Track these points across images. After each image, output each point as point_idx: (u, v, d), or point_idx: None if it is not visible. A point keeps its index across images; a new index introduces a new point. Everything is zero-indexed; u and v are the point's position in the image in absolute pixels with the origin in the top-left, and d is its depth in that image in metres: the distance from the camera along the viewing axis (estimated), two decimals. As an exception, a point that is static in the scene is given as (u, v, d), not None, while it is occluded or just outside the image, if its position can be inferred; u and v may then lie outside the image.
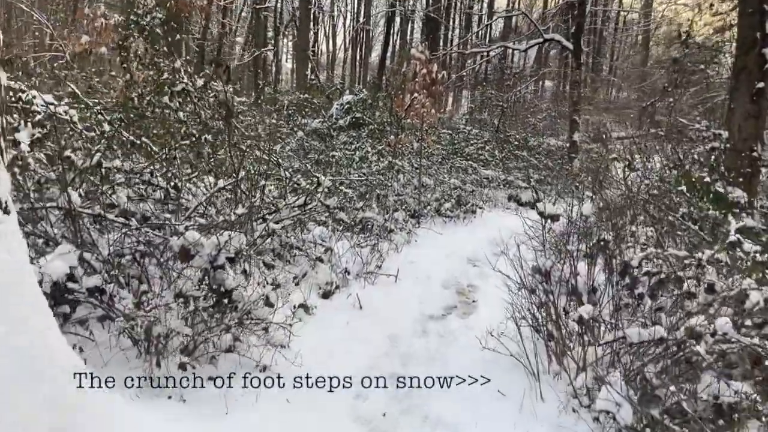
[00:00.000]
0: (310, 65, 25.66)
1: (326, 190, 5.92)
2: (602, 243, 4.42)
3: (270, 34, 38.52)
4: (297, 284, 5.25)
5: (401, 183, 9.73)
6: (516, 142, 14.19)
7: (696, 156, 7.74)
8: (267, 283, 4.10)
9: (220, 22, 34.76)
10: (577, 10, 14.70)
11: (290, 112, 12.67)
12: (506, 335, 4.32)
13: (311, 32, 44.63)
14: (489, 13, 39.69)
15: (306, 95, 15.40)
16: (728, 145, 7.36)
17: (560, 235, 8.04)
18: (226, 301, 3.47)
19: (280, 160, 7.12)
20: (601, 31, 35.25)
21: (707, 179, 6.74)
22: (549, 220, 5.31)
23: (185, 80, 6.40)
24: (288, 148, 11.06)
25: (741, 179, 7.34)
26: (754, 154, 7.58)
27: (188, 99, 7.20)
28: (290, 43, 40.30)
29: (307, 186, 5.80)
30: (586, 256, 4.66)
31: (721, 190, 6.65)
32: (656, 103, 15.32)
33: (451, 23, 40.59)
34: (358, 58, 41.07)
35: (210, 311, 3.47)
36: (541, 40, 15.97)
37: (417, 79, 8.80)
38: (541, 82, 33.70)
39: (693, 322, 3.11)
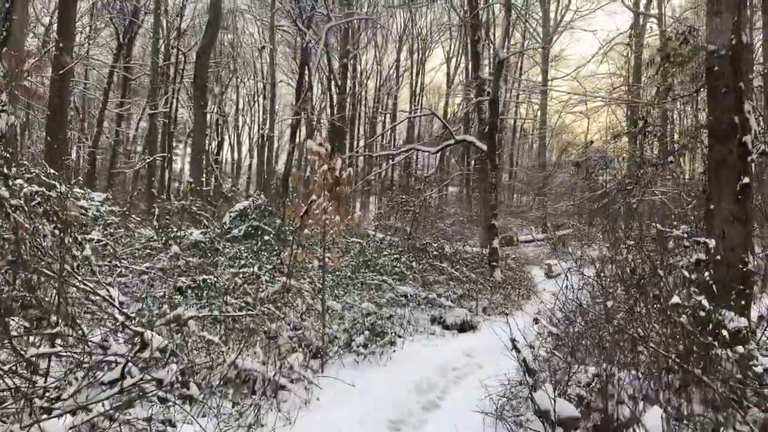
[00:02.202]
0: (206, 170, 23.34)
1: (161, 349, 3.41)
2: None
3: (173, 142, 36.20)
4: None
5: (299, 311, 7.28)
6: (434, 252, 12.18)
7: (678, 268, 5.80)
8: None
9: (115, 130, 32.12)
10: (490, 110, 13.31)
11: (165, 221, 10.09)
12: None
13: (215, 140, 42.65)
14: (393, 120, 39.21)
15: (192, 201, 12.89)
16: (717, 257, 5.53)
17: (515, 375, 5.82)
18: None
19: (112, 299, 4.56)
20: (500, 138, 35.20)
21: (703, 303, 4.78)
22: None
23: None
24: (158, 266, 8.44)
25: (732, 300, 5.45)
26: (748, 267, 5.76)
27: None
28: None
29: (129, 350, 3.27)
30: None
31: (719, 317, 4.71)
32: (607, 205, 13.81)
33: (356, 132, 39.78)
34: (265, 165, 39.15)
35: None
36: (452, 141, 14.46)
37: (316, 179, 6.59)
38: (444, 188, 32.67)
39: None
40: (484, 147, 13.51)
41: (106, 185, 25.03)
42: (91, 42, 29.51)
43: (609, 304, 5.70)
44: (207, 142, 39.10)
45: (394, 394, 6.09)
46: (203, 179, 21.40)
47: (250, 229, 11.81)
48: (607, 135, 32.51)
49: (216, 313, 5.98)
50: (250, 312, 6.07)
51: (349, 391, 5.87)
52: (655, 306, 4.80)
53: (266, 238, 10.84)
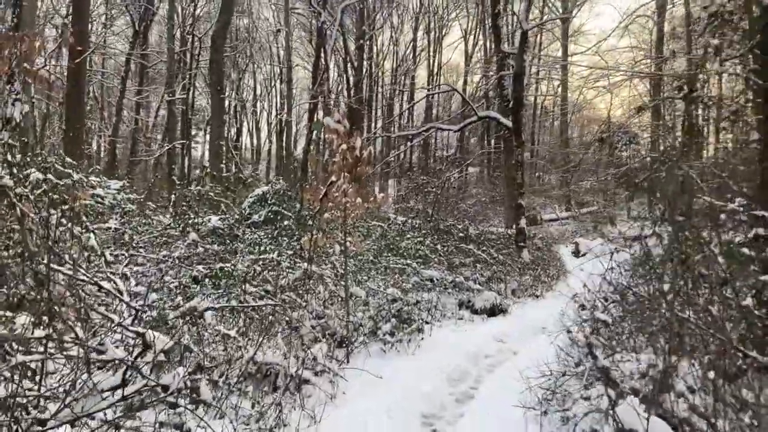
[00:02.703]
0: (226, 156, 22.98)
1: (165, 355, 3.01)
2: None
3: (193, 129, 35.96)
4: None
5: (322, 298, 6.88)
6: (459, 233, 11.69)
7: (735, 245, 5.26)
8: None
9: (134, 118, 31.95)
10: (514, 84, 12.69)
11: (183, 208, 9.72)
12: None
13: (234, 127, 42.39)
14: (410, 109, 38.54)
15: (211, 187, 12.52)
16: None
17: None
18: None
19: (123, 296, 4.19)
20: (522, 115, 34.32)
21: None
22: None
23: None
24: (175, 255, 8.09)
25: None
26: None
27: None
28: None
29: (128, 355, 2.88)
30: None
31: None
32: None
33: (373, 114, 39.22)
34: (283, 151, 38.82)
35: None
36: (474, 118, 13.89)
37: (335, 159, 6.16)
38: (465, 168, 32.04)
39: None
40: (509, 123, 12.94)
41: (126, 174, 24.86)
42: (107, 30, 29.27)
43: (665, 287, 5.19)
44: (225, 128, 38.94)
45: (425, 385, 5.69)
46: (222, 165, 21.11)
47: (269, 214, 11.44)
48: (630, 110, 31.66)
49: (234, 303, 5.60)
50: (270, 301, 5.68)
51: (377, 382, 5.47)
52: (712, 287, 4.29)
53: (285, 223, 10.45)
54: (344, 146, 6.00)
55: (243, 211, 12.02)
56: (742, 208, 5.02)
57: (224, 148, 22.27)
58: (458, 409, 5.32)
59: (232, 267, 6.41)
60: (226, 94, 39.72)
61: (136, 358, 2.74)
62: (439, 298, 8.54)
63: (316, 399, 4.94)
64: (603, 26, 63.46)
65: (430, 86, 37.02)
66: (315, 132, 25.33)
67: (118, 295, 3.95)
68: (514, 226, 16.36)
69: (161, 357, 2.84)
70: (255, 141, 45.99)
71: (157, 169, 30.20)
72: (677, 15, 30.45)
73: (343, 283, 6.69)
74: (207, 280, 6.41)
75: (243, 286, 5.87)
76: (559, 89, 33.91)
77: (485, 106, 25.23)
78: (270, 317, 5.49)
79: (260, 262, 7.14)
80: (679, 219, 5.13)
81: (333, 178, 5.79)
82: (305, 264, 6.68)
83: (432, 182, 15.49)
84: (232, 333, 4.95)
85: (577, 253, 17.34)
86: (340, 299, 6.92)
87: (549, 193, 31.86)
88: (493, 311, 8.85)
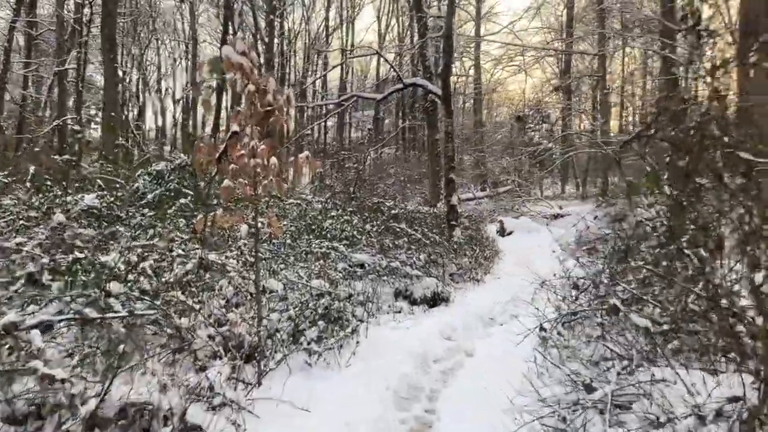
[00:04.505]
0: (127, 134, 20.32)
1: None
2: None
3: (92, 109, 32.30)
4: None
5: (225, 294, 5.05)
6: (391, 210, 10.03)
7: None
8: None
9: (21, 93, 28.09)
10: (444, 47, 11.09)
11: (44, 183, 7.44)
12: None
13: (137, 107, 38.81)
14: (324, 83, 36.58)
15: (101, 164, 10.26)
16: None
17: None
18: None
19: None
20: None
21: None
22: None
23: None
24: (35, 242, 5.96)
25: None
26: None
27: None
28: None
29: None
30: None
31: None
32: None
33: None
34: (191, 129, 35.72)
35: None
36: (400, 86, 12.23)
37: (239, 108, 4.33)
38: (381, 148, 30.45)
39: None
40: (438, 90, 11.37)
41: (14, 154, 21.48)
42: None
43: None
44: (128, 108, 35.39)
45: (366, 412, 4.03)
46: (117, 142, 18.51)
47: (169, 192, 9.45)
48: (542, 91, 31.12)
49: (90, 311, 3.69)
50: (146, 310, 3.81)
51: (300, 417, 3.75)
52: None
53: (182, 201, 8.48)
54: (252, 87, 4.17)
55: (137, 190, 9.91)
56: None
57: (123, 125, 19.65)
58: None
59: (93, 258, 4.44)
60: (127, 69, 36.20)
61: None
62: (374, 287, 6.87)
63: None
64: (515, 8, 64.01)
65: (344, 68, 35.04)
66: (213, 75, 22.85)
67: None
68: (440, 204, 14.97)
69: None
70: (160, 121, 42.44)
71: (47, 150, 26.64)
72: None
73: (253, 274, 4.87)
74: (57, 276, 4.41)
75: (105, 286, 3.96)
76: (471, 70, 32.86)
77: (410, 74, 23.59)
78: (141, 330, 3.63)
79: (140, 250, 5.19)
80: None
81: (235, 128, 3.96)
82: (201, 250, 4.82)
83: (353, 158, 13.75)
84: (74, 361, 3.07)
85: (502, 232, 16.18)
86: (249, 297, 5.11)
87: (464, 172, 30.87)
88: (435, 300, 7.30)
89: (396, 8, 35.94)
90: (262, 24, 30.57)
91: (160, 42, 39.59)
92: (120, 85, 28.55)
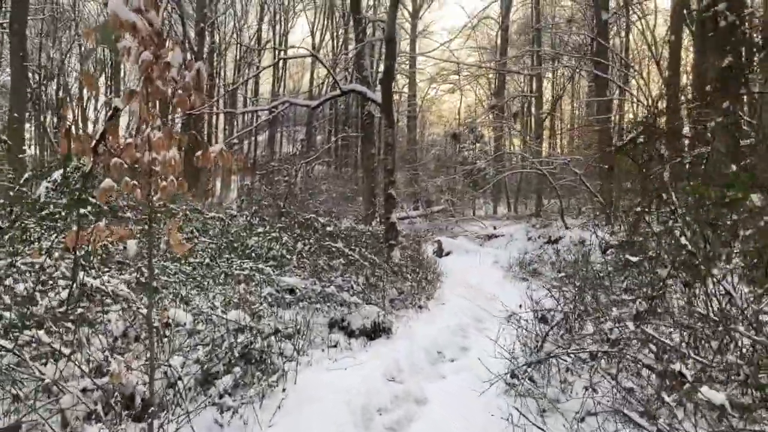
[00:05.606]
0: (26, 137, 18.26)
1: None
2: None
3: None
4: None
5: (113, 333, 3.84)
6: (326, 227, 8.91)
7: None
8: None
9: None
10: (387, 51, 10.12)
11: None
12: None
13: (55, 116, 35.97)
14: (255, 93, 35.12)
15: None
16: None
17: None
18: None
19: None
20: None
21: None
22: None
23: None
24: None
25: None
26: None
27: None
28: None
29: None
30: None
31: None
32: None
33: (214, 106, 35.07)
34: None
35: None
36: (338, 92, 11.21)
37: (136, 80, 3.19)
38: (312, 163, 29.28)
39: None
40: (378, 98, 10.45)
41: None
42: None
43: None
44: (47, 117, 32.66)
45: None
46: (24, 147, 16.68)
47: (72, 201, 8.07)
48: (476, 111, 30.91)
49: None
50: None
51: None
52: None
53: (82, 211, 7.12)
54: (148, 55, 3.06)
55: (37, 200, 8.46)
56: None
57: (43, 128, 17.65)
58: None
59: None
60: (47, 74, 33.46)
61: None
62: (305, 317, 5.75)
63: None
64: (449, 27, 65.19)
65: (276, 82, 33.73)
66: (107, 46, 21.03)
67: None
68: (375, 222, 14.00)
69: None
70: (81, 131, 39.46)
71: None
72: (519, 21, 30.37)
73: (147, 303, 3.67)
74: None
75: None
76: (405, 88, 32.31)
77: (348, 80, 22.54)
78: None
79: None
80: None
81: (117, 103, 2.83)
82: (77, 274, 3.60)
83: (284, 170, 12.59)
84: None
85: (440, 253, 15.36)
86: (144, 332, 3.92)
87: (398, 190, 30.09)
88: (375, 332, 6.25)
89: (330, 24, 35.17)
90: (192, 34, 28.94)
91: (82, 48, 37.02)
92: (36, 91, 26.32)
